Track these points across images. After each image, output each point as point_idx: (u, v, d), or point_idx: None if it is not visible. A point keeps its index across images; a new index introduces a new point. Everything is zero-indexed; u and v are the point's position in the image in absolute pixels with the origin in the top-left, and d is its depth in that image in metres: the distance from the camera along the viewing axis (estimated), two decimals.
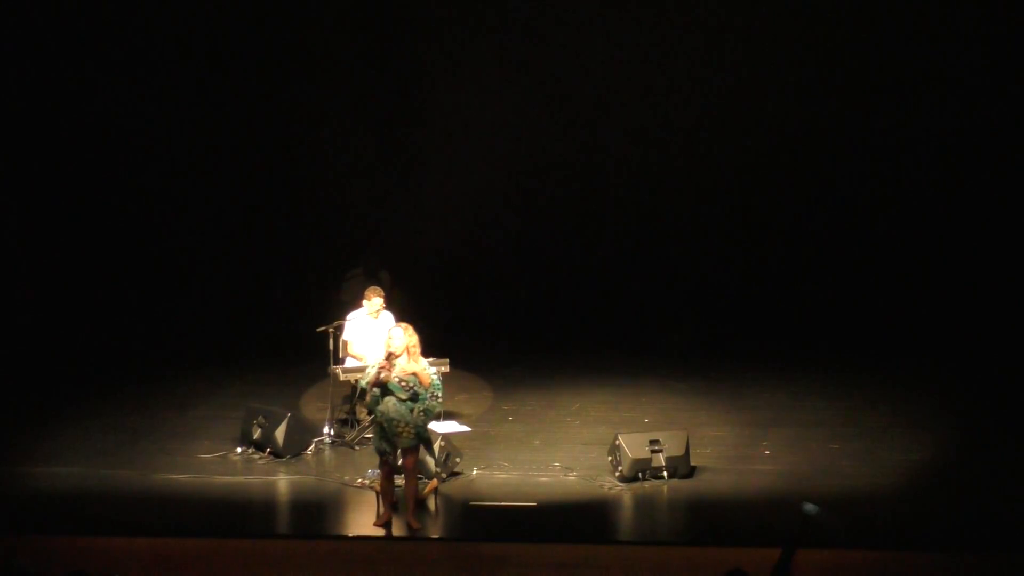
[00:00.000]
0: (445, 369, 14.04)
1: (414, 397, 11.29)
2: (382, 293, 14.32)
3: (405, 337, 11.36)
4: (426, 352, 14.44)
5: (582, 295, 19.01)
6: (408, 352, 11.36)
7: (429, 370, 11.41)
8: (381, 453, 11.39)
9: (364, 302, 14.27)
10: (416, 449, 11.40)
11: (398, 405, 11.28)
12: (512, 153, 18.79)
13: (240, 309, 18.65)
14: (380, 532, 11.52)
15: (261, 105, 18.78)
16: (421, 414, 11.32)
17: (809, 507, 8.47)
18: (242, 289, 18.81)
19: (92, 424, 14.62)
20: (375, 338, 14.21)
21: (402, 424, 11.26)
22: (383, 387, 11.29)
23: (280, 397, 15.10)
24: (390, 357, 11.32)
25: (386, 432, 11.30)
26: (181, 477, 12.78)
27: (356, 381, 13.79)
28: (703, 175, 18.67)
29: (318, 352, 14.18)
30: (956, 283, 18.00)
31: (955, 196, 18.13)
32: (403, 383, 11.28)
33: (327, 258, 18.71)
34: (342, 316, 14.29)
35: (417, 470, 11.54)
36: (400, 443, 11.31)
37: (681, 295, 18.70)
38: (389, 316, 14.37)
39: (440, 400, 11.55)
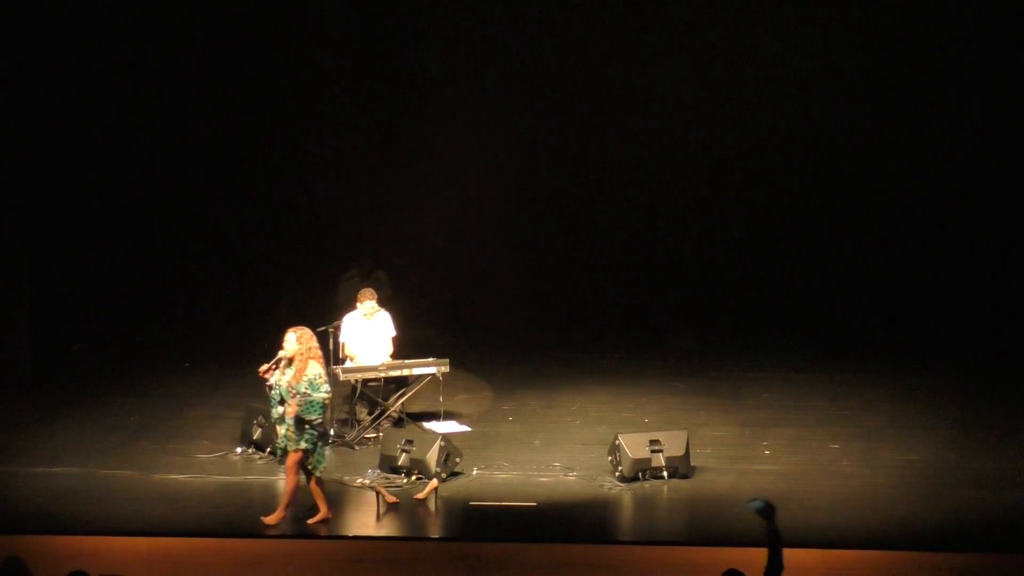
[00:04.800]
0: (445, 369, 14.06)
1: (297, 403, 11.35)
2: (374, 295, 14.34)
3: (296, 343, 11.40)
4: (426, 352, 14.55)
5: (582, 295, 19.00)
6: (299, 358, 11.36)
7: (317, 383, 11.37)
8: (281, 453, 11.58)
9: (358, 304, 14.29)
10: (299, 451, 11.40)
11: (280, 408, 11.42)
12: (512, 152, 18.77)
13: (240, 309, 18.64)
14: (380, 532, 11.55)
15: (260, 105, 18.77)
16: (290, 422, 11.36)
17: (757, 503, 8.44)
18: (242, 289, 18.80)
19: (92, 424, 14.62)
20: (370, 340, 14.25)
21: (284, 428, 11.40)
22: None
23: None
24: (280, 363, 11.39)
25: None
26: (181, 477, 12.78)
27: (356, 381, 13.86)
28: (703, 173, 18.66)
29: None
30: (956, 282, 17.99)
31: (955, 195, 18.12)
32: (291, 390, 11.34)
33: (325, 259, 18.68)
34: (338, 318, 14.31)
35: (297, 469, 11.47)
36: (278, 443, 11.49)
37: (681, 294, 18.69)
38: (386, 316, 14.39)
39: (312, 404, 11.39)
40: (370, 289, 14.54)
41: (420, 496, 12.05)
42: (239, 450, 13.54)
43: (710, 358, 17.10)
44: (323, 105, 18.87)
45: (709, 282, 18.75)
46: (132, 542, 11.21)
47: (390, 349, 14.28)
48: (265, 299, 18.67)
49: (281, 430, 11.47)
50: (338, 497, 12.29)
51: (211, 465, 13.16)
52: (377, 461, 12.84)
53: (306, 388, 11.34)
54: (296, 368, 11.38)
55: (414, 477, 12.44)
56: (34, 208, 16.96)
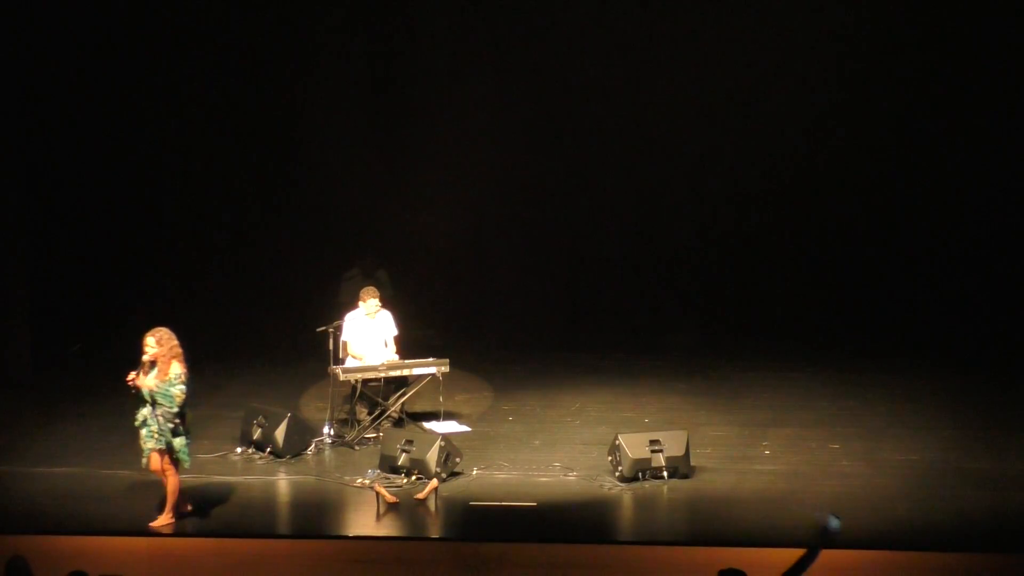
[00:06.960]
0: (445, 369, 14.05)
1: (155, 403, 11.40)
2: (377, 294, 14.35)
3: (156, 346, 11.45)
4: (426, 352, 14.55)
5: (582, 295, 18.99)
6: (161, 359, 11.41)
7: (174, 383, 11.38)
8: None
9: (360, 303, 14.31)
10: (164, 450, 11.43)
11: (144, 410, 11.44)
12: (513, 152, 18.77)
13: (240, 309, 18.63)
14: (380, 532, 11.55)
15: (261, 105, 18.76)
16: (160, 418, 11.38)
17: (834, 522, 8.38)
18: (242, 288, 18.80)
19: (92, 424, 14.62)
20: (373, 338, 14.26)
21: (147, 429, 11.43)
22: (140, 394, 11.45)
23: (280, 397, 15.09)
24: (144, 367, 11.42)
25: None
26: (181, 477, 12.75)
27: (356, 381, 13.86)
28: (703, 173, 18.66)
29: (318, 352, 14.18)
30: (956, 282, 17.99)
31: (955, 195, 18.11)
32: (157, 390, 11.38)
33: (325, 258, 18.69)
34: (340, 317, 14.32)
35: (171, 469, 11.49)
36: (146, 445, 11.44)
37: (681, 294, 18.69)
38: (387, 315, 14.40)
39: (171, 409, 11.42)
40: (373, 288, 14.55)
41: (420, 496, 12.04)
42: (239, 450, 13.54)
43: (710, 358, 17.10)
44: (324, 105, 18.85)
45: (709, 282, 18.74)
46: (132, 542, 11.22)
47: (395, 348, 14.29)
48: (265, 299, 18.67)
49: (143, 432, 11.45)
50: (338, 497, 12.30)
51: (211, 465, 13.13)
52: (377, 461, 12.84)
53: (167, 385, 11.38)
54: (159, 369, 11.43)
55: (414, 477, 12.44)
56: (34, 208, 16.96)
